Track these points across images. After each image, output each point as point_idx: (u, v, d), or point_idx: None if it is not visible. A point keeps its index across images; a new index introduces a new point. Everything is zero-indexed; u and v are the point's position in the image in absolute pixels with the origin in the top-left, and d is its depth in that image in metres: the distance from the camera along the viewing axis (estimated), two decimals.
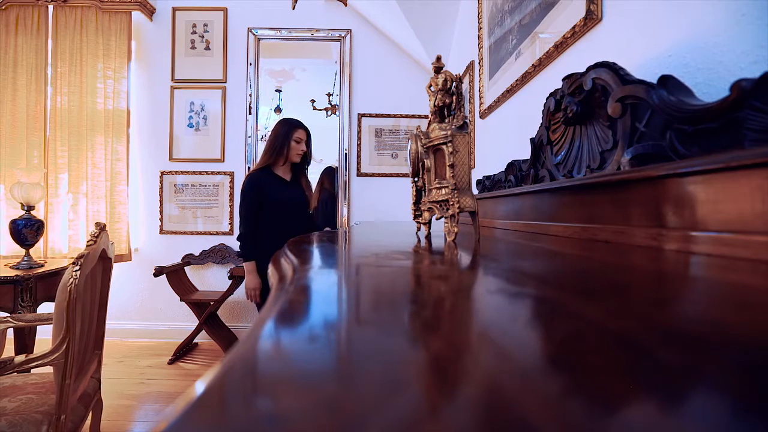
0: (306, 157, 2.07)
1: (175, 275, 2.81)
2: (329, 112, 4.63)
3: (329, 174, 3.51)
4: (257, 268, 1.88)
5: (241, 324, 3.06)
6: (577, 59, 1.03)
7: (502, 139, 1.67)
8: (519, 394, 0.13)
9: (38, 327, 2.05)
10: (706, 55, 0.61)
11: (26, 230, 2.09)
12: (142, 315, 3.08)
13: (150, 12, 3.05)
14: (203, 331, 2.71)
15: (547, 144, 0.96)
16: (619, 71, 0.66)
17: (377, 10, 2.93)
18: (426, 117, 3.08)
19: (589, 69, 0.74)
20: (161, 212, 3.09)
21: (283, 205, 1.92)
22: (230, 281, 2.62)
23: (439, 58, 0.78)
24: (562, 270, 0.44)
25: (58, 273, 2.08)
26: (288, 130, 1.97)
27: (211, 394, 0.13)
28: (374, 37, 3.16)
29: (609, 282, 0.36)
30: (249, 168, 3.08)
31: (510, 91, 1.51)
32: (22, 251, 2.15)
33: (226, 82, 3.10)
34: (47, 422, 1.10)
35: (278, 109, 5.10)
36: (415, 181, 0.87)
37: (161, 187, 3.09)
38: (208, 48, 3.10)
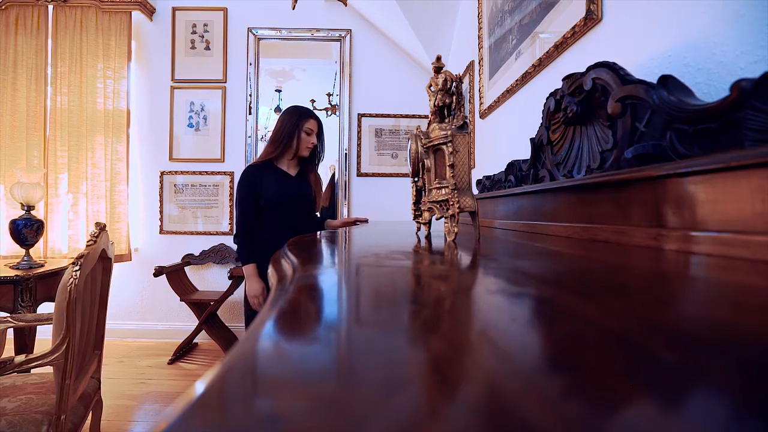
0: (316, 152, 1.80)
1: (175, 275, 2.81)
2: (329, 112, 4.63)
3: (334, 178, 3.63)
4: (258, 271, 1.66)
5: (241, 324, 3.06)
6: (577, 59, 1.03)
7: (502, 139, 1.67)
8: (519, 394, 0.13)
9: (38, 327, 2.06)
10: (706, 55, 0.61)
11: (26, 230, 2.09)
12: (142, 315, 3.08)
13: (150, 12, 3.05)
14: (203, 331, 2.71)
15: (547, 144, 0.96)
16: (619, 71, 0.66)
17: (377, 10, 2.93)
18: (426, 117, 3.08)
19: (589, 69, 0.74)
20: (161, 212, 3.09)
21: (284, 203, 1.67)
22: (230, 281, 2.62)
23: (439, 58, 0.78)
24: (562, 270, 0.44)
25: (58, 273, 2.08)
26: (297, 120, 1.70)
27: (211, 394, 0.13)
28: (374, 37, 3.16)
29: (609, 282, 0.36)
30: None
31: (510, 91, 1.51)
32: (22, 251, 2.15)
33: (226, 82, 3.10)
34: (47, 422, 1.10)
35: (278, 109, 5.11)
36: (415, 181, 0.87)
37: (161, 187, 3.09)
38: (208, 48, 3.10)
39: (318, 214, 1.92)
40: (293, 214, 1.68)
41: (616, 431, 0.11)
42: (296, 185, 1.73)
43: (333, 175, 3.89)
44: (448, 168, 0.70)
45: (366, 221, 1.91)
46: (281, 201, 1.66)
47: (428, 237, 0.81)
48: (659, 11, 0.73)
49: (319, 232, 1.24)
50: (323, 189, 1.87)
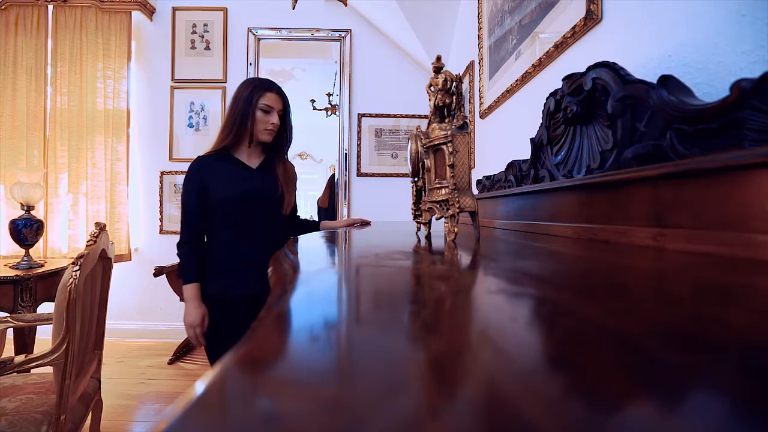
0: (284, 135, 1.42)
1: (175, 275, 2.81)
2: (329, 112, 4.63)
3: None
4: (202, 293, 1.29)
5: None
6: (577, 59, 1.03)
7: (502, 139, 1.67)
8: (519, 394, 0.13)
9: (38, 327, 2.05)
10: (706, 55, 0.61)
11: (26, 230, 2.09)
12: (142, 315, 3.08)
13: (150, 12, 3.05)
14: None
15: (547, 144, 0.96)
16: (619, 71, 0.66)
17: (377, 10, 2.93)
18: (426, 117, 3.08)
19: (589, 69, 0.74)
20: (161, 212, 3.09)
21: (239, 202, 1.30)
22: None
23: (439, 58, 0.78)
24: (563, 270, 0.44)
25: (57, 273, 2.08)
26: (250, 95, 1.31)
27: (211, 394, 0.13)
28: (374, 37, 3.16)
29: (609, 282, 0.36)
30: None
31: (510, 91, 1.51)
32: (22, 251, 2.15)
33: (226, 82, 3.10)
34: (47, 422, 1.10)
35: None
36: (415, 181, 0.87)
37: (161, 187, 3.09)
38: (208, 48, 3.10)
39: (305, 215, 1.63)
40: (252, 216, 1.32)
41: (617, 431, 0.11)
42: (256, 179, 1.35)
43: (333, 176, 3.88)
44: (448, 168, 0.70)
45: (369, 223, 1.62)
46: (234, 199, 1.30)
47: (428, 237, 0.81)
48: (659, 11, 0.73)
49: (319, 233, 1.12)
50: (294, 182, 1.47)
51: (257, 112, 1.32)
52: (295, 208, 1.49)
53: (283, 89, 1.42)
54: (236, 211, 1.31)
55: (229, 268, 1.29)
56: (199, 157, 1.36)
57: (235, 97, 1.35)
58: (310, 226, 1.55)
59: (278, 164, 1.41)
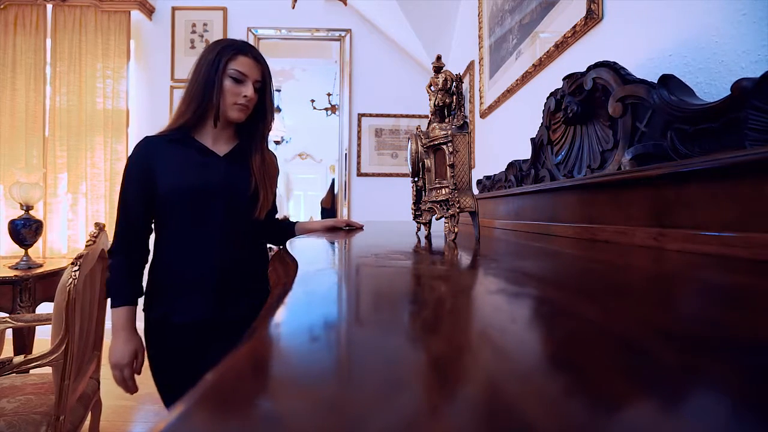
0: (262, 114, 1.07)
1: None
2: (329, 112, 4.63)
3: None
4: (145, 318, 1.01)
5: None
6: (577, 59, 1.03)
7: (503, 139, 1.67)
8: (519, 394, 0.13)
9: (37, 327, 2.05)
10: (707, 54, 0.61)
11: (25, 230, 2.09)
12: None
13: (149, 11, 3.05)
14: None
15: (547, 144, 0.96)
16: (619, 71, 0.66)
17: (377, 10, 2.93)
18: (426, 117, 3.08)
19: (589, 69, 0.74)
20: None
21: (195, 198, 0.98)
22: None
23: (439, 58, 0.78)
24: (563, 270, 0.44)
25: (57, 273, 2.08)
26: (217, 57, 0.97)
27: (211, 394, 0.13)
28: (374, 37, 3.16)
29: (609, 282, 0.36)
30: None
31: (510, 91, 1.51)
32: (21, 251, 2.14)
33: None
34: (46, 423, 1.09)
35: (277, 109, 5.11)
36: (415, 181, 0.87)
37: None
38: None
39: (305, 216, 1.27)
40: (211, 216, 0.99)
41: (616, 431, 0.11)
42: (219, 168, 1.01)
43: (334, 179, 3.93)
44: (448, 168, 0.70)
45: (361, 228, 1.22)
46: (190, 193, 0.97)
47: (428, 237, 0.81)
48: (660, 10, 0.73)
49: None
50: (274, 177, 1.13)
51: (225, 80, 0.97)
52: (274, 209, 1.17)
53: (263, 55, 1.05)
54: (190, 210, 0.97)
55: (178, 286, 0.98)
56: (146, 137, 1.01)
57: (198, 61, 1.00)
58: (285, 230, 1.19)
59: (255, 153, 1.06)
